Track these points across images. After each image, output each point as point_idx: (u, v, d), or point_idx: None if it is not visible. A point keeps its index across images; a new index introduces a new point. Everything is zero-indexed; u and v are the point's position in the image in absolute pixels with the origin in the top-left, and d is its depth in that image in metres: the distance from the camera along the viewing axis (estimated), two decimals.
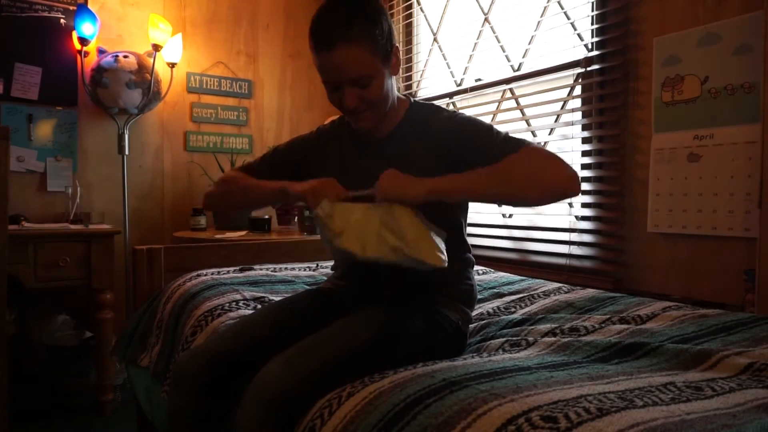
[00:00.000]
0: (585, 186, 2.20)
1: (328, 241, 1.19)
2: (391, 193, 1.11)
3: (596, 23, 2.12)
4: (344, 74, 1.16)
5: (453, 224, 1.31)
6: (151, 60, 2.86)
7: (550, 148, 2.38)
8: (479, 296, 1.77)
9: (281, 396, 0.99)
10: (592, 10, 2.14)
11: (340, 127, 1.40)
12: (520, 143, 1.16)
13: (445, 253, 1.14)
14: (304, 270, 2.10)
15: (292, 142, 1.48)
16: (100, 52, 2.85)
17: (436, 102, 2.94)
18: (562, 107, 2.34)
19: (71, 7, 2.83)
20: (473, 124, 1.24)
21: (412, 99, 1.34)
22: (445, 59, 2.98)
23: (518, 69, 2.54)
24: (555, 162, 1.12)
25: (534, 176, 1.12)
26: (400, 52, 1.25)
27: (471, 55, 2.77)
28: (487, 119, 2.67)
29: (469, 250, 1.39)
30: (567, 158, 2.24)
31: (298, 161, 1.43)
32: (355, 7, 1.15)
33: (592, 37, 2.14)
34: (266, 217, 2.91)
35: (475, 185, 1.12)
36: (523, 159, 1.12)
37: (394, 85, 1.28)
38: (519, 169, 1.11)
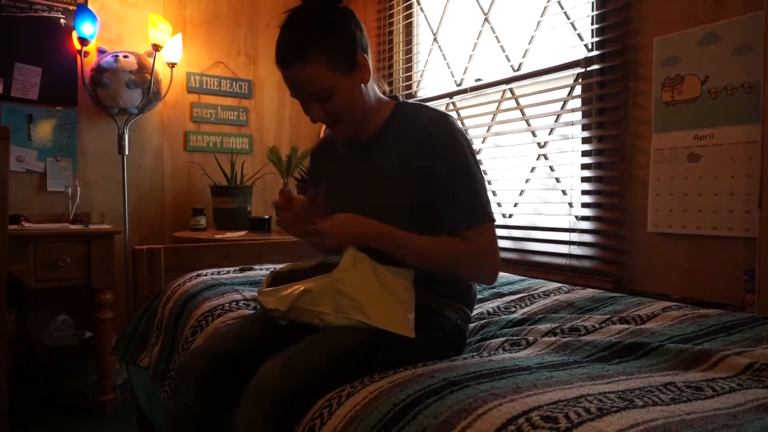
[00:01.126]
0: (585, 186, 2.20)
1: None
2: (334, 246, 1.18)
3: (596, 23, 2.12)
4: (303, 90, 1.20)
5: (440, 228, 1.31)
6: (151, 60, 2.86)
7: (549, 148, 2.39)
8: (479, 296, 1.77)
9: (279, 393, 1.00)
10: (592, 10, 2.14)
11: (330, 136, 1.43)
12: (474, 218, 1.19)
13: (413, 316, 1.14)
14: None
15: (308, 179, 1.57)
16: (100, 52, 2.85)
17: (436, 102, 2.95)
18: (562, 107, 2.33)
19: (71, 7, 2.83)
20: (452, 142, 1.21)
21: (400, 99, 1.34)
22: (445, 59, 2.98)
23: (518, 69, 2.54)
24: (488, 267, 1.23)
25: (459, 268, 1.22)
26: (368, 58, 1.23)
27: (471, 55, 2.77)
28: (486, 119, 2.67)
29: None
30: (567, 158, 2.26)
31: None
32: (311, 25, 1.17)
33: (592, 37, 2.14)
34: (266, 217, 2.91)
35: (403, 254, 1.18)
36: (461, 249, 1.18)
37: (370, 91, 1.27)
38: (450, 258, 1.19)
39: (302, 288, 1.14)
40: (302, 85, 1.19)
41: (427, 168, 1.21)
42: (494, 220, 1.22)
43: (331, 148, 1.43)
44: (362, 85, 1.23)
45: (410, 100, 1.38)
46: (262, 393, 1.00)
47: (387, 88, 1.41)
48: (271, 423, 0.99)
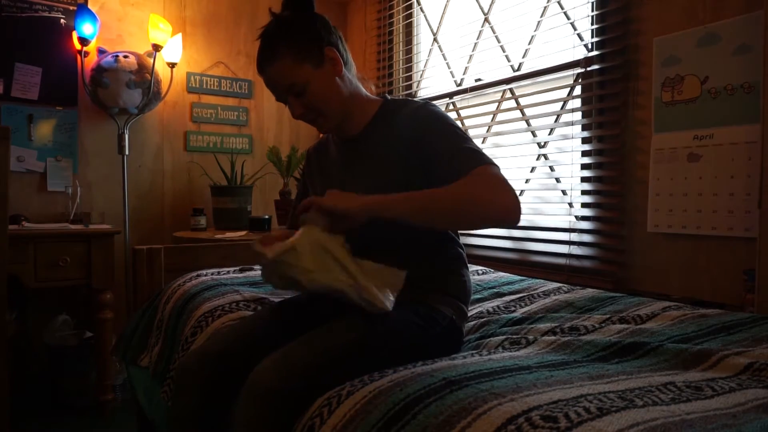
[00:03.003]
0: (585, 186, 2.20)
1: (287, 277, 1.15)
2: (329, 207, 1.12)
3: (596, 23, 2.12)
4: (278, 87, 1.26)
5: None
6: (151, 60, 2.86)
7: (549, 148, 2.39)
8: (479, 296, 1.77)
9: (274, 391, 1.00)
10: (592, 10, 2.14)
11: (326, 138, 1.48)
12: (475, 162, 1.14)
13: (392, 297, 1.14)
14: None
15: (301, 177, 1.56)
16: (100, 52, 2.85)
17: (436, 102, 2.95)
18: (562, 107, 2.33)
19: (71, 7, 2.83)
20: (436, 117, 1.24)
21: (388, 97, 1.38)
22: (445, 59, 2.98)
23: (518, 69, 2.54)
24: (500, 193, 1.10)
25: (474, 207, 1.10)
26: (340, 50, 1.27)
27: (471, 55, 2.77)
28: (487, 119, 2.67)
29: (460, 245, 1.39)
30: (567, 158, 2.26)
31: (308, 190, 1.51)
32: (278, 29, 1.25)
33: (592, 37, 2.14)
34: (266, 216, 2.91)
35: (412, 207, 1.11)
36: (468, 186, 1.10)
37: (347, 84, 1.29)
38: (461, 198, 1.10)
39: (291, 244, 1.12)
40: (276, 82, 1.25)
41: (418, 148, 1.21)
42: (496, 165, 1.16)
43: (325, 148, 1.46)
44: (337, 78, 1.26)
45: (396, 96, 1.40)
46: (257, 391, 1.00)
47: (374, 89, 1.44)
48: (267, 421, 0.99)
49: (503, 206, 1.10)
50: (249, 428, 1.00)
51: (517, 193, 2.48)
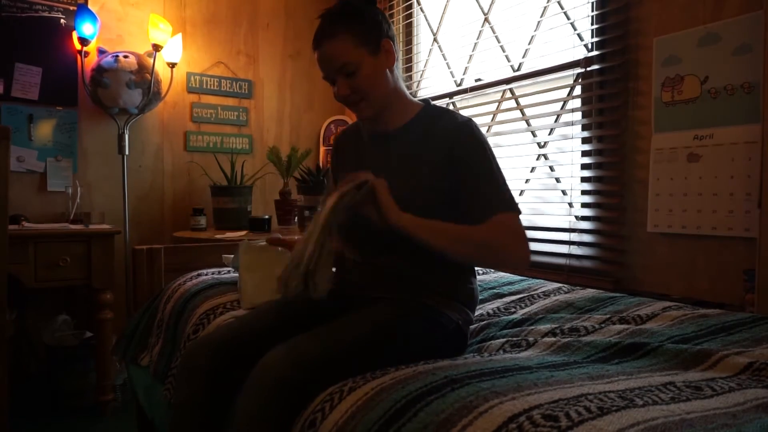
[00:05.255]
0: (585, 186, 2.20)
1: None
2: (382, 198, 1.17)
3: (596, 23, 2.12)
4: (331, 65, 1.28)
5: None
6: (151, 60, 2.86)
7: (549, 148, 2.40)
8: (479, 296, 1.77)
9: (280, 381, 1.01)
10: (592, 10, 2.14)
11: (356, 127, 1.48)
12: (501, 205, 1.21)
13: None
14: None
15: (332, 169, 1.57)
16: (101, 52, 2.85)
17: (436, 102, 2.95)
18: (562, 107, 2.34)
19: (71, 7, 2.83)
20: (479, 142, 1.28)
21: (430, 102, 1.41)
22: (445, 59, 2.98)
23: (518, 69, 2.55)
24: (519, 246, 1.20)
25: (493, 257, 1.23)
26: (394, 46, 1.32)
27: (471, 55, 2.78)
28: (487, 119, 2.67)
29: None
30: (567, 158, 2.26)
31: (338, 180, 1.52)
32: (341, 11, 1.29)
33: (592, 37, 2.14)
34: (266, 217, 2.91)
35: (438, 242, 1.17)
36: (491, 234, 1.18)
37: (394, 79, 1.34)
38: (484, 244, 1.18)
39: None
40: (330, 60, 1.27)
41: (452, 163, 1.25)
42: (520, 212, 1.23)
43: (356, 139, 1.46)
44: (387, 70, 1.30)
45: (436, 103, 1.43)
46: (264, 380, 1.01)
47: (414, 91, 1.47)
48: (270, 411, 1.00)
49: (519, 258, 1.21)
50: (257, 415, 1.00)
51: (517, 194, 2.50)
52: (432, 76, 3.11)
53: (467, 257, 1.24)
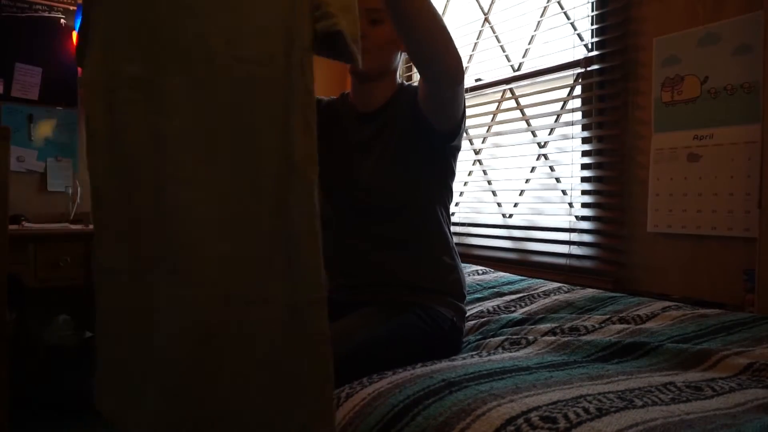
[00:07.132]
0: (585, 186, 2.20)
1: None
2: None
3: (596, 23, 2.12)
4: (366, 2, 1.26)
5: (429, 215, 1.34)
6: None
7: (549, 148, 2.39)
8: (479, 295, 1.77)
9: None
10: (592, 10, 2.14)
11: (340, 103, 1.49)
12: None
13: None
14: None
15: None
16: None
17: None
18: (562, 107, 2.33)
19: (71, 7, 2.83)
20: None
21: (404, 83, 1.45)
22: None
23: (518, 69, 2.54)
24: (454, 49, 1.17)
25: (444, 38, 1.14)
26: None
27: (471, 55, 2.77)
28: (487, 119, 2.67)
29: (452, 244, 1.40)
30: (567, 158, 2.26)
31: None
32: None
33: (592, 37, 2.14)
34: None
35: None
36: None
37: (397, 61, 1.41)
38: (444, 29, 1.13)
39: None
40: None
41: (416, 115, 1.28)
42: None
43: (337, 111, 1.46)
44: (398, 50, 1.37)
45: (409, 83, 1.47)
46: None
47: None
48: None
49: (455, 58, 1.15)
50: None
51: (517, 194, 2.50)
52: None
53: (431, 32, 1.13)
